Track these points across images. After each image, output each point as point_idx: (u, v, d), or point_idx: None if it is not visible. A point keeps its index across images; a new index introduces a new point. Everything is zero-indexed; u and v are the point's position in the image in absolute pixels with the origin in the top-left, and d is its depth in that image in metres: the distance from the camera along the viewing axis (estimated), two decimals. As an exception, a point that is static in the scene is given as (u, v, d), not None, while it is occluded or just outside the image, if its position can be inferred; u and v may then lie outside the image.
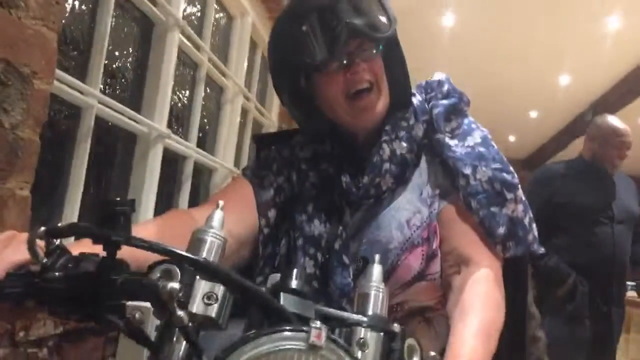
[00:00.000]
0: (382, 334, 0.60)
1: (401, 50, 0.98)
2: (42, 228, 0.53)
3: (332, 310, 0.61)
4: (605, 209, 2.42)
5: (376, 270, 0.66)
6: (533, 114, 6.25)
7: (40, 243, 0.54)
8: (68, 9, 1.51)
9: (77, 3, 1.58)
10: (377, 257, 0.68)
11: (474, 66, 4.94)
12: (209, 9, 2.39)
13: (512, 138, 7.39)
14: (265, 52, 3.12)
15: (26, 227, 1.09)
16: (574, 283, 2.36)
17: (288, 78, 0.97)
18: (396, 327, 0.61)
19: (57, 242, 0.54)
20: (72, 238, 0.62)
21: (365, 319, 0.60)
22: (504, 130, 7.08)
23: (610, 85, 5.14)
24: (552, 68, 4.89)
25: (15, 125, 1.06)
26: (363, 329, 0.59)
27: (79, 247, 0.57)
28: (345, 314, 0.61)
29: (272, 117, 3.24)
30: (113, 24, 1.69)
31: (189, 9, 2.29)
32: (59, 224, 0.54)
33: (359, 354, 0.57)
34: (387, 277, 0.92)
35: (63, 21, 1.29)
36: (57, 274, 0.53)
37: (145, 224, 0.85)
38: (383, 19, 0.92)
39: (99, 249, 0.53)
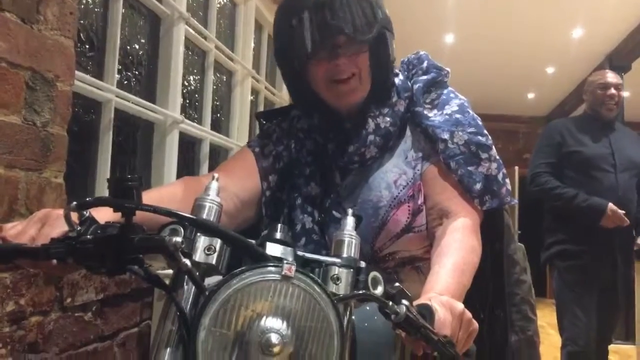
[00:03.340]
0: (352, 270, 0.71)
1: (387, 50, 1.06)
2: (74, 203, 0.67)
3: (308, 255, 0.73)
4: (607, 158, 2.50)
5: (349, 221, 0.77)
6: (550, 70, 6.16)
7: (74, 215, 0.67)
8: (81, 12, 1.64)
9: (89, 5, 1.71)
10: (350, 210, 0.79)
11: (485, 29, 4.93)
12: (212, -1, 2.50)
13: (531, 96, 7.31)
14: (271, 33, 3.22)
15: (63, 209, 1.26)
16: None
17: (285, 61, 1.09)
18: (362, 263, 0.72)
19: (87, 213, 0.68)
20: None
21: (338, 260, 0.72)
22: (522, 88, 7.01)
23: (624, 35, 5.05)
24: (564, 22, 4.83)
25: (45, 124, 1.22)
26: (337, 267, 0.71)
27: (103, 216, 0.70)
28: (321, 257, 0.73)
29: (283, 95, 3.36)
30: (123, 21, 1.81)
31: (194, -1, 2.40)
32: (87, 199, 0.68)
33: (333, 287, 0.69)
34: (378, 231, 1.04)
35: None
36: (89, 237, 0.65)
37: (159, 189, 0.99)
38: (370, 20, 1.01)
39: (118, 217, 0.66)
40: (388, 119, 1.08)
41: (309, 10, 0.99)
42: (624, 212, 2.43)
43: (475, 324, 0.77)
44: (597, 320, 2.45)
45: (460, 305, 0.76)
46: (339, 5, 0.98)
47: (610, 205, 2.41)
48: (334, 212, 1.06)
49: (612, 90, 2.57)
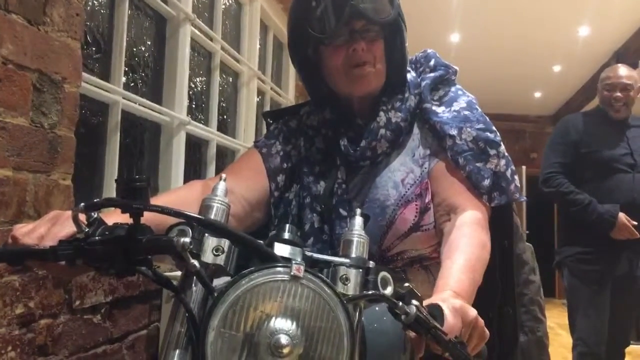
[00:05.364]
0: (361, 270, 0.71)
1: (403, 38, 1.07)
2: (82, 204, 0.67)
3: (317, 255, 0.73)
4: (626, 158, 2.44)
5: (358, 221, 0.77)
6: (556, 69, 6.12)
7: (82, 217, 0.66)
8: (87, 14, 1.64)
9: (95, 7, 1.71)
10: (358, 210, 0.78)
11: (491, 29, 4.91)
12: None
13: (537, 94, 7.28)
14: (277, 34, 3.23)
15: (71, 211, 1.26)
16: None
17: (299, 46, 1.08)
18: (371, 263, 0.72)
19: (95, 215, 0.67)
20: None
21: (347, 260, 0.71)
22: (528, 87, 6.97)
23: (631, 32, 5.01)
24: (571, 20, 4.80)
25: (52, 125, 1.22)
26: (345, 268, 0.70)
27: (112, 217, 0.71)
28: (329, 257, 0.72)
29: (289, 95, 3.35)
30: (129, 23, 1.81)
31: None
32: (95, 200, 0.67)
33: (342, 288, 0.69)
34: (386, 230, 1.03)
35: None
36: (97, 238, 0.65)
37: (167, 194, 1.00)
38: (387, 5, 1.03)
39: (126, 218, 0.66)
40: (399, 114, 1.08)
41: None
42: (636, 222, 2.38)
43: (487, 332, 0.76)
44: (612, 322, 2.41)
45: (473, 312, 0.74)
46: None
47: (621, 217, 2.36)
48: (340, 210, 1.05)
49: (618, 93, 2.48)
